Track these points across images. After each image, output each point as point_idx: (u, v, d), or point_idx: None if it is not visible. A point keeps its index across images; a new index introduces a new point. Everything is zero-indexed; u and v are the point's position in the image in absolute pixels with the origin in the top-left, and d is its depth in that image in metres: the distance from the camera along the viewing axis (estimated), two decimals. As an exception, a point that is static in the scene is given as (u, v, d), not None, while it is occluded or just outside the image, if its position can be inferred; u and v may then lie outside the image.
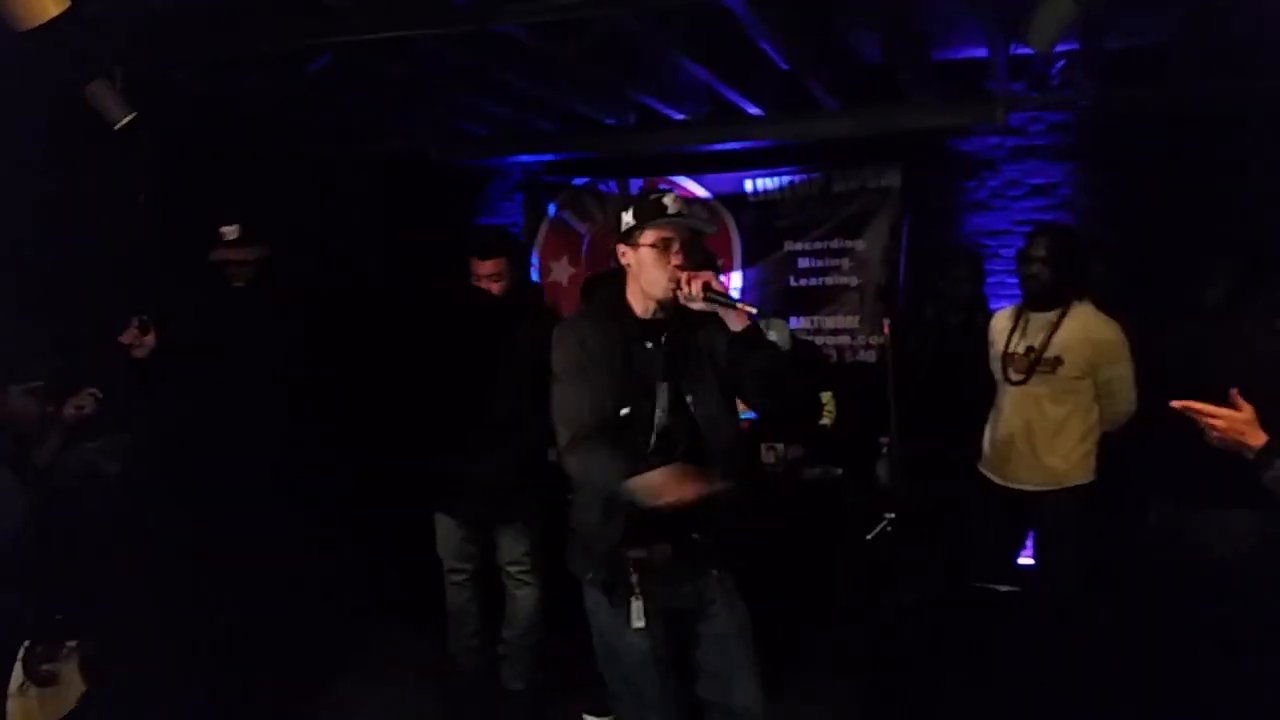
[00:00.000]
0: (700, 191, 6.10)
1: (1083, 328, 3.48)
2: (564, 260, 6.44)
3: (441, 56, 3.96)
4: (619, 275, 2.60)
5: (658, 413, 2.48)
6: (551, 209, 6.46)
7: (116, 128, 3.74)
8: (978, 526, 3.67)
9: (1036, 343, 3.50)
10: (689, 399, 2.50)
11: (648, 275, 2.47)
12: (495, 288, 3.60)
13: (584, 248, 6.39)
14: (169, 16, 3.51)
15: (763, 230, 5.97)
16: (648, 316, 2.54)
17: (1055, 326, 3.48)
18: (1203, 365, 4.35)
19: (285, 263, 3.96)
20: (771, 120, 5.15)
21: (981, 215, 5.57)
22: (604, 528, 2.48)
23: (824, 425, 4.90)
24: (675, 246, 2.44)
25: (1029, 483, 3.49)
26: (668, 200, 2.46)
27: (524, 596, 3.76)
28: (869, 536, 4.03)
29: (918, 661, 3.88)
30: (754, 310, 2.43)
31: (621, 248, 2.54)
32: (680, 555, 2.50)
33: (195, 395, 3.60)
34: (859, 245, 5.76)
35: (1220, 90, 4.45)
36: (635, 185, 6.21)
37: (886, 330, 3.72)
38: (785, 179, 5.89)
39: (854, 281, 5.78)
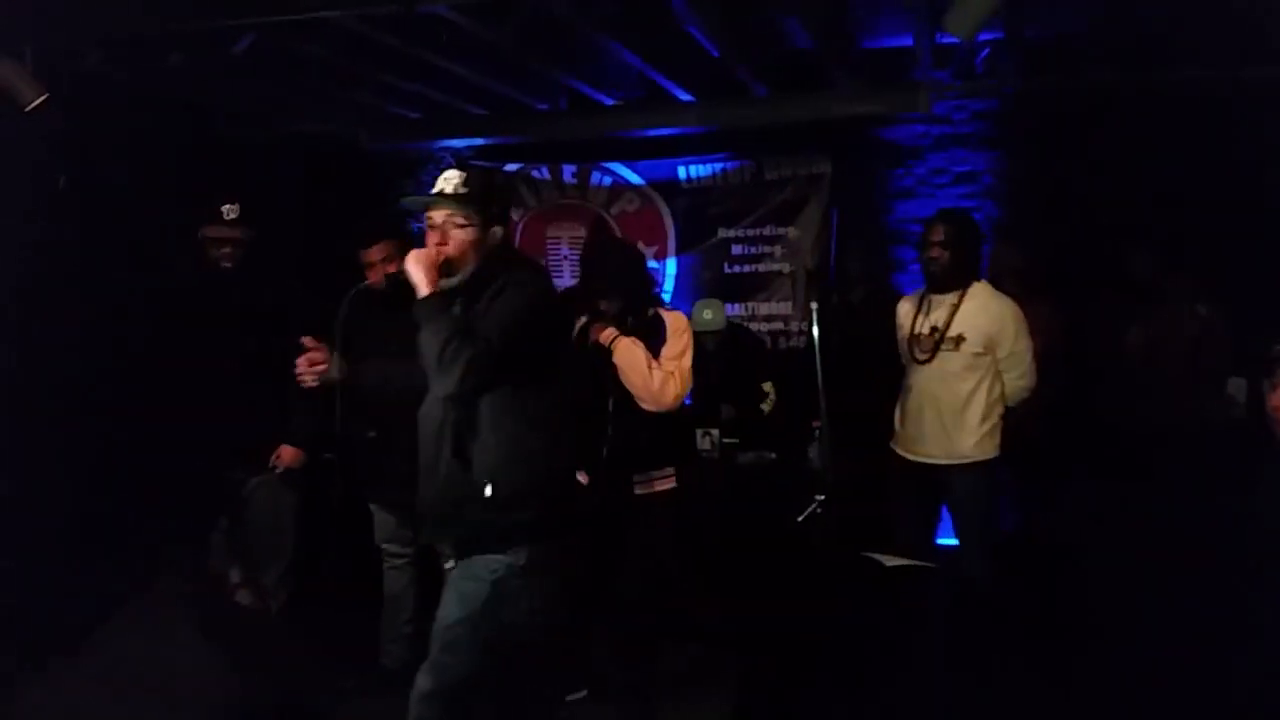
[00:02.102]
0: (634, 178, 6.10)
1: (981, 306, 3.68)
2: (497, 247, 6.39)
3: (369, 38, 3.90)
4: None
5: None
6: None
7: (27, 110, 3.62)
8: (894, 504, 3.82)
9: (939, 322, 3.67)
10: None
11: None
12: (391, 268, 3.48)
13: (518, 234, 6.35)
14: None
15: (696, 217, 5.99)
16: None
17: (956, 307, 3.68)
18: (1125, 347, 4.50)
19: (266, 256, 3.89)
20: (702, 106, 5.17)
21: (908, 202, 5.66)
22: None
23: (763, 411, 4.94)
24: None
25: (939, 457, 3.66)
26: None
27: None
28: (800, 519, 4.08)
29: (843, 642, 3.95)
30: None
31: None
32: None
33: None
34: (791, 232, 5.81)
35: (1139, 78, 4.57)
36: (568, 171, 6.19)
37: (813, 315, 3.83)
38: (718, 166, 5.91)
39: (786, 268, 5.83)
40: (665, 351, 3.40)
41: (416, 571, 3.84)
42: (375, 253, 3.56)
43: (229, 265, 3.64)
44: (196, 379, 3.64)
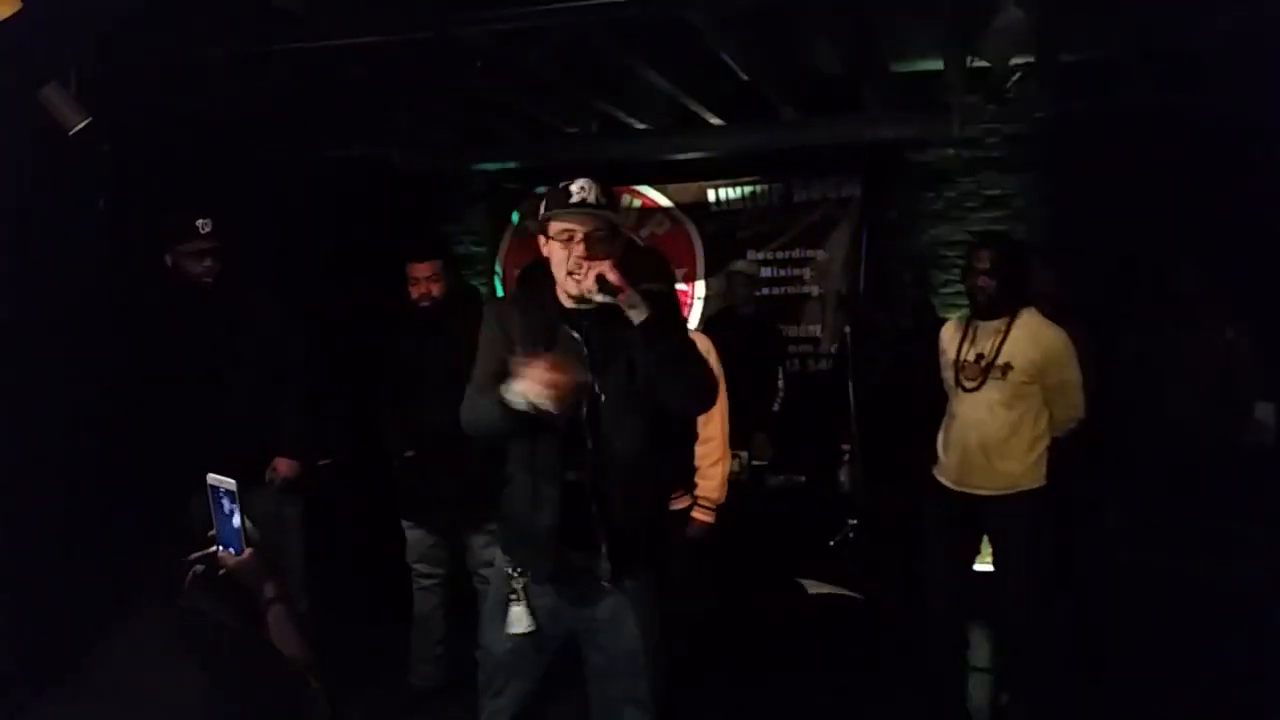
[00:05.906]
0: (663, 201, 6.12)
1: (1030, 334, 3.56)
2: (527, 269, 6.43)
3: (404, 63, 3.95)
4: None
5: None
6: (515, 217, 6.45)
7: (71, 133, 3.68)
8: (933, 533, 3.72)
9: (986, 350, 3.57)
10: (602, 397, 2.35)
11: (555, 267, 2.35)
12: (435, 289, 3.57)
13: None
14: (125, 19, 3.47)
15: (725, 240, 6.01)
16: (572, 306, 2.38)
17: (1004, 334, 3.56)
18: (1156, 371, 4.45)
19: (245, 268, 3.91)
20: (732, 130, 5.18)
21: (939, 226, 5.64)
22: (533, 516, 2.37)
23: (773, 410, 4.84)
24: (577, 238, 2.31)
25: (983, 488, 3.55)
26: (574, 187, 2.35)
27: None
28: (831, 543, 4.07)
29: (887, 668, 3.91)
30: (638, 303, 2.28)
31: (541, 238, 2.43)
32: (572, 565, 2.37)
33: (158, 400, 3.55)
34: (820, 255, 5.81)
35: (1169, 102, 4.55)
36: (598, 194, 6.21)
37: (846, 338, 3.80)
38: (747, 189, 5.93)
39: (815, 291, 5.83)
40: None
41: (446, 593, 3.85)
42: (425, 269, 3.57)
43: (209, 280, 3.62)
44: (188, 392, 3.63)
